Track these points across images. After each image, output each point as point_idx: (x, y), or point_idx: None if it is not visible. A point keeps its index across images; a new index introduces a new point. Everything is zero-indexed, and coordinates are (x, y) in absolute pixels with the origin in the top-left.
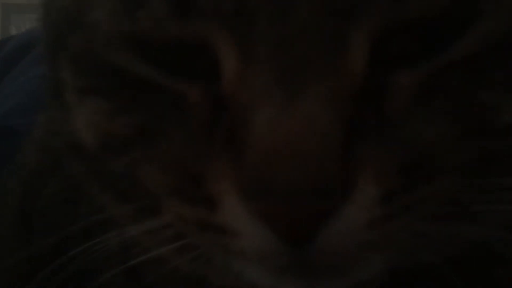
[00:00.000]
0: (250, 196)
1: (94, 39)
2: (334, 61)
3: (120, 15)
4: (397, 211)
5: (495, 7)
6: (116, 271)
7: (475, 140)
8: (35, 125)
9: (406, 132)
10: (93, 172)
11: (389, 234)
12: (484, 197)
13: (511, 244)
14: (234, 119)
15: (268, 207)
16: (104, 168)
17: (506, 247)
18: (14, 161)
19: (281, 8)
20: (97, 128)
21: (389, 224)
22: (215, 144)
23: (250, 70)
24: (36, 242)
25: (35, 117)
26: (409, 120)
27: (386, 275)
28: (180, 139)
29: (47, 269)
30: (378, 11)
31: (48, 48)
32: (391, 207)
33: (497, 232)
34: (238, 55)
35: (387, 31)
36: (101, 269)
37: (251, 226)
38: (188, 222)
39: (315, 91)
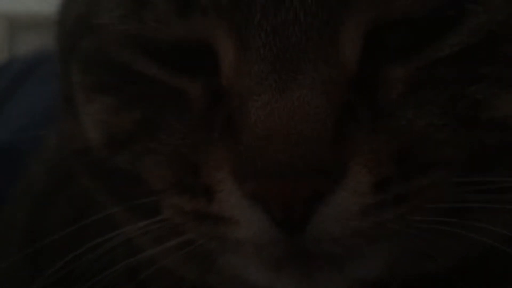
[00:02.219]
0: (245, 178)
1: (103, 39)
2: (326, 49)
3: (128, 17)
4: (391, 201)
5: (480, 7)
6: (119, 268)
7: (466, 132)
8: (43, 146)
9: (399, 121)
10: (99, 174)
11: (383, 224)
12: (481, 195)
13: None
14: (231, 108)
15: (261, 186)
16: (110, 167)
17: None
18: (19, 183)
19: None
20: (104, 124)
21: (383, 213)
22: (213, 134)
23: (246, 59)
24: (45, 264)
25: (43, 137)
26: (401, 110)
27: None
28: (179, 131)
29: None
30: (369, 6)
31: (61, 58)
32: (385, 196)
33: (501, 234)
34: (235, 46)
35: (379, 26)
36: (105, 267)
37: (247, 211)
38: (186, 214)
39: (307, 78)
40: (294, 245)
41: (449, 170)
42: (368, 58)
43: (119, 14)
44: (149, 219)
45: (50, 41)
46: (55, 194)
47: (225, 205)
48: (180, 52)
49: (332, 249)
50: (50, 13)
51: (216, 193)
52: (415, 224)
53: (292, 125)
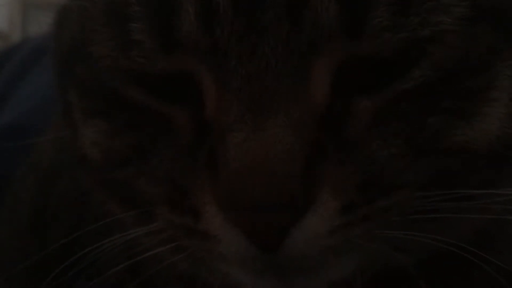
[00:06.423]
0: (226, 207)
1: (96, 67)
2: (297, 91)
3: (117, 53)
4: (357, 220)
5: (440, 46)
6: (121, 267)
7: (427, 159)
8: (50, 127)
9: (364, 152)
10: (99, 181)
11: (350, 240)
12: (439, 206)
13: (484, 247)
14: (214, 140)
15: (240, 217)
16: (108, 178)
17: (480, 250)
18: (27, 160)
19: (249, 47)
20: (99, 146)
21: (349, 231)
22: (198, 161)
23: (226, 99)
24: (49, 237)
25: (50, 118)
26: (366, 142)
27: (361, 277)
28: (169, 157)
29: (60, 264)
30: (336, 50)
31: (58, 76)
32: (351, 217)
33: (460, 238)
34: (216, 85)
35: (346, 65)
36: (107, 265)
37: (228, 233)
38: (176, 228)
39: (279, 118)
40: (271, 260)
41: (412, 190)
42: (336, 92)
43: (109, 48)
44: (148, 225)
45: None
46: (59, 173)
47: (210, 225)
48: (167, 82)
49: (305, 263)
50: None
51: (202, 213)
52: (382, 235)
53: (266, 163)
